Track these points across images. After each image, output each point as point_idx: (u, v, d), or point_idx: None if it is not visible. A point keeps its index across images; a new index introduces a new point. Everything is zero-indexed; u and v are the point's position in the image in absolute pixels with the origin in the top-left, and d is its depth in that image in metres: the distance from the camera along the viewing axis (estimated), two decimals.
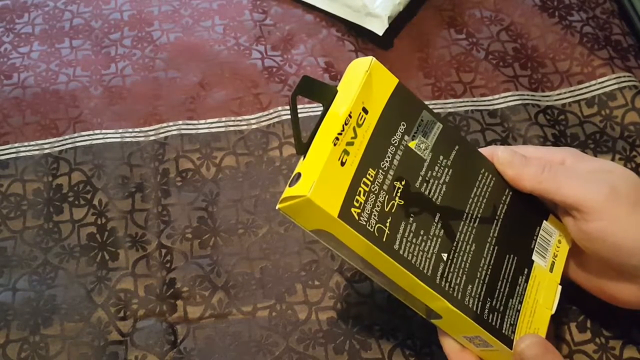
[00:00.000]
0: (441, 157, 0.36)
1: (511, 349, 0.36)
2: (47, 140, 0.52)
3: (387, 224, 0.33)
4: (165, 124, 0.53)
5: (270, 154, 0.51)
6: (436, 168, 0.36)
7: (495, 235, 0.37)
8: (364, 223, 0.32)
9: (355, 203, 0.32)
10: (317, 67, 0.56)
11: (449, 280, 0.35)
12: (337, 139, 0.32)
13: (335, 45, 0.58)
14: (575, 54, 0.56)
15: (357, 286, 0.45)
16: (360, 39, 0.59)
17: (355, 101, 0.33)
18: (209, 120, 0.53)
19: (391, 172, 0.34)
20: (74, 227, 0.48)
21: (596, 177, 0.36)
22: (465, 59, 0.57)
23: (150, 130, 0.53)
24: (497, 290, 0.36)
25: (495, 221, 0.37)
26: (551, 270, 0.39)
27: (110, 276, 0.46)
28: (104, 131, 0.53)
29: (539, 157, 0.38)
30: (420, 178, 0.35)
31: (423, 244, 0.34)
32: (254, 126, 0.53)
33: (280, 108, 0.53)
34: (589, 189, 0.35)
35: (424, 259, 0.34)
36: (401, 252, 0.33)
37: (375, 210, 0.33)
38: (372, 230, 0.32)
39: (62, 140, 0.52)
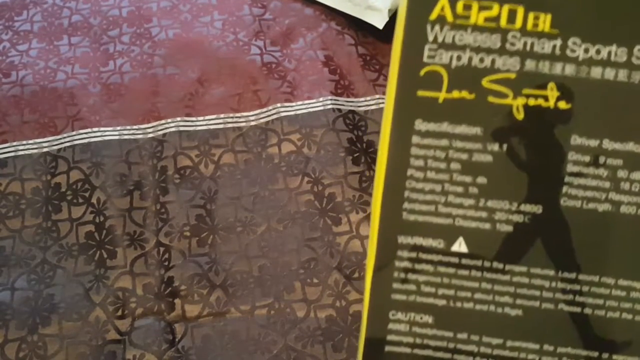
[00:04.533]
0: None
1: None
2: (45, 139, 0.52)
3: (452, 60, 0.20)
4: (163, 121, 0.52)
5: (269, 151, 0.50)
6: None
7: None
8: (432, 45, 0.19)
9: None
10: (316, 60, 0.56)
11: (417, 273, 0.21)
12: None
13: (335, 39, 0.57)
14: None
15: (356, 284, 0.44)
16: (361, 32, 0.58)
17: None
18: (207, 117, 0.53)
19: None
20: (73, 226, 0.48)
21: None
22: None
23: (149, 128, 0.52)
24: None
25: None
26: None
27: (108, 274, 0.45)
28: (102, 129, 0.52)
29: None
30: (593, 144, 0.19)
31: (452, 192, 0.19)
32: (252, 123, 0.52)
33: (279, 105, 0.53)
34: None
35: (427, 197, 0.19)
36: (412, 152, 0.19)
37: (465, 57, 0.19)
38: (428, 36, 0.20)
39: (60, 139, 0.52)
